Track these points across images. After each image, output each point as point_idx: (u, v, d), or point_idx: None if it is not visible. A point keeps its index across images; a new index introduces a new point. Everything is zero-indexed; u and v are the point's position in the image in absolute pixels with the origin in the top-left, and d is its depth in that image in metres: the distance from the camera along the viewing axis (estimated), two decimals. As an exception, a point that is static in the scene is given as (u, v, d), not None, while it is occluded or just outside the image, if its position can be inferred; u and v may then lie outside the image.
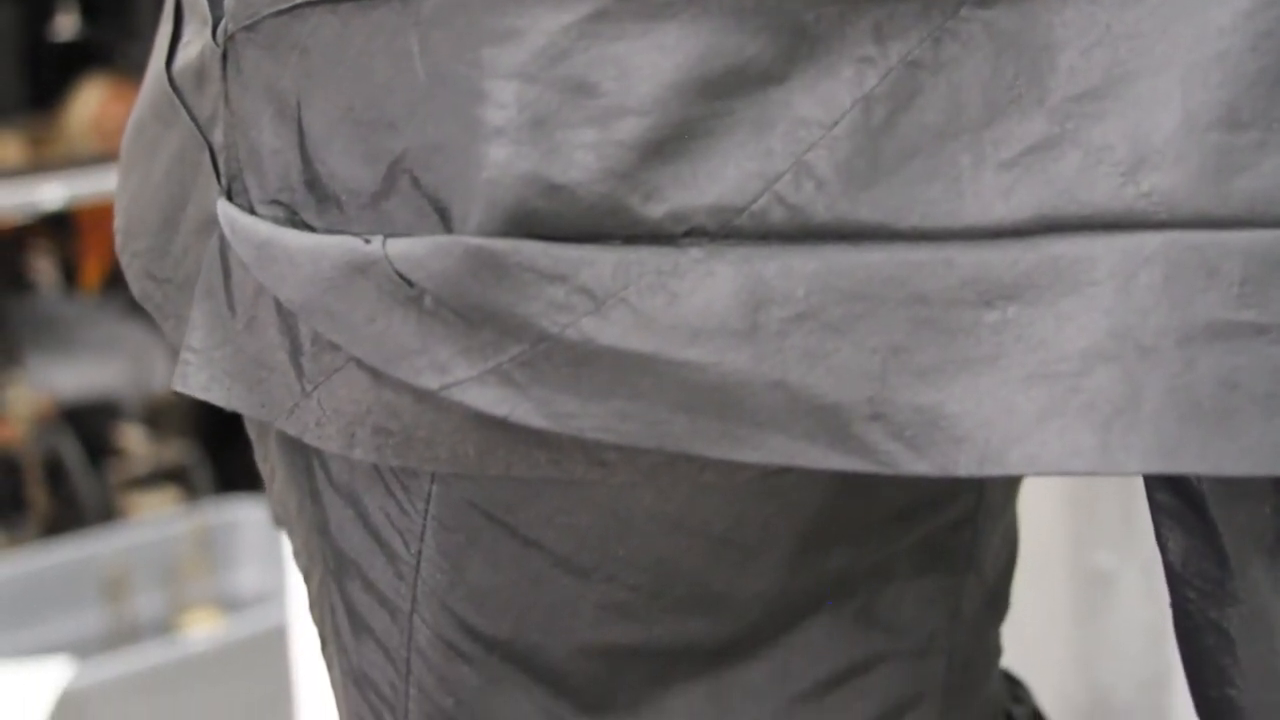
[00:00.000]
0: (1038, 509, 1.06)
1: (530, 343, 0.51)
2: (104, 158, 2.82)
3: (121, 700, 2.24)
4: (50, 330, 3.20)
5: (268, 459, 0.69)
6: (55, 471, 2.92)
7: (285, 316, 0.59)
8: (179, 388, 0.62)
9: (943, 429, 0.49)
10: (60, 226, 3.34)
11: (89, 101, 3.20)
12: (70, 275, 3.43)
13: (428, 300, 0.52)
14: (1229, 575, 0.57)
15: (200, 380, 0.61)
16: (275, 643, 2.24)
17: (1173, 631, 1.01)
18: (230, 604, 2.65)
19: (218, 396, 0.61)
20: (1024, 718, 0.79)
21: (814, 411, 0.50)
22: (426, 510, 0.59)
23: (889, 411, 0.50)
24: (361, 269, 0.54)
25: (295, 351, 0.59)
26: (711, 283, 0.50)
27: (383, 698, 0.65)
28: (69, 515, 2.85)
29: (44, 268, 3.37)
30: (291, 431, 0.59)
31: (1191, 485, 0.56)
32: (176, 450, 2.99)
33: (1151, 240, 0.49)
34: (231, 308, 0.61)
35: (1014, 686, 0.82)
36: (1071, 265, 0.49)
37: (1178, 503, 0.58)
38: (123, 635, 2.54)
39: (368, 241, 0.54)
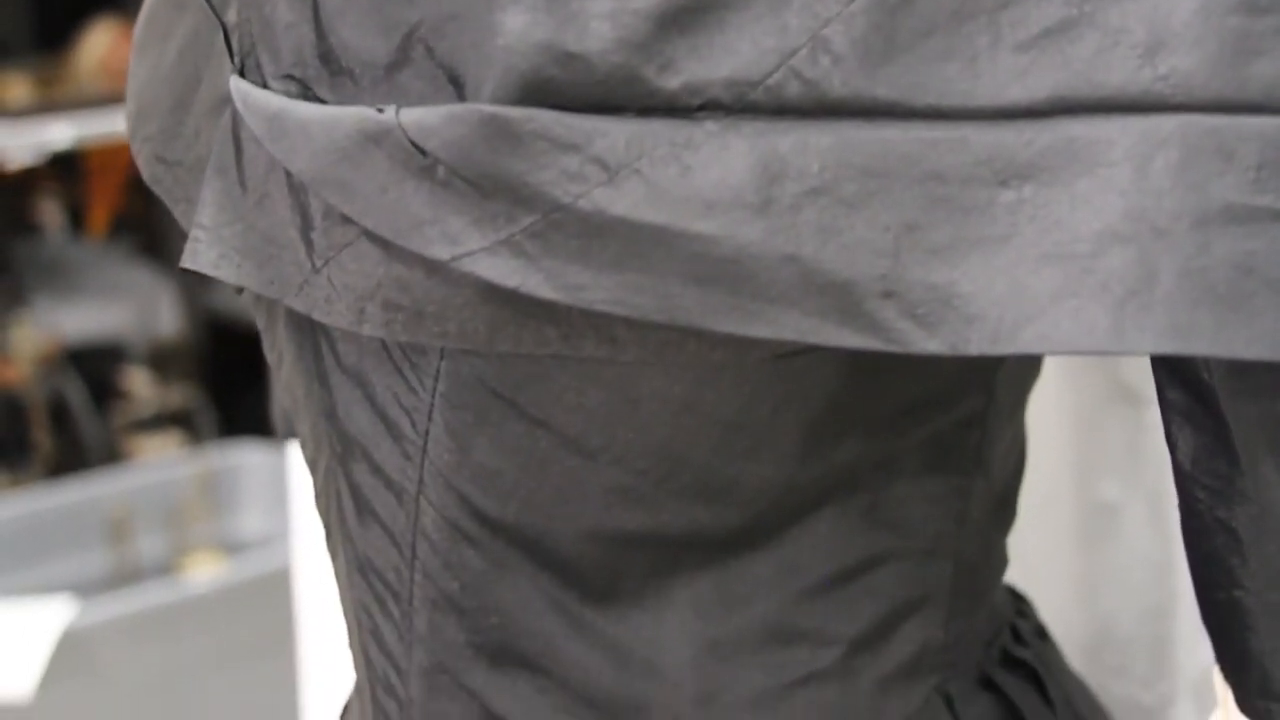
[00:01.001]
0: (1043, 439, 1.06)
1: (542, 213, 0.51)
2: (112, 99, 2.81)
3: (124, 640, 2.24)
4: (56, 273, 3.19)
5: (275, 346, 0.68)
6: (60, 413, 2.92)
7: (296, 192, 0.58)
8: (188, 264, 0.62)
9: (955, 307, 0.49)
10: (68, 170, 3.33)
11: (97, 43, 3.20)
12: (77, 219, 3.42)
13: (440, 170, 0.52)
14: (1239, 473, 0.57)
15: (210, 257, 0.61)
16: (277, 586, 2.24)
17: (1177, 563, 1.01)
18: (232, 547, 2.65)
19: (227, 273, 0.61)
20: (1029, 632, 0.79)
21: (826, 288, 0.50)
22: (435, 388, 0.59)
23: (901, 289, 0.50)
24: (375, 139, 0.53)
25: (306, 227, 0.58)
26: (726, 156, 0.50)
27: (387, 585, 0.65)
28: (73, 457, 2.86)
29: (51, 211, 3.37)
30: (300, 308, 0.59)
31: (1203, 381, 0.56)
32: (181, 394, 2.99)
33: (1168, 123, 0.49)
34: (243, 184, 0.60)
35: (1019, 601, 0.82)
36: (1087, 147, 0.49)
37: (1188, 400, 0.58)
38: (125, 577, 2.54)
39: (381, 111, 0.54)
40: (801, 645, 0.66)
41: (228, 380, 3.12)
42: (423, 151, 0.52)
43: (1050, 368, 1.05)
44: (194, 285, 3.13)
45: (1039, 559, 1.04)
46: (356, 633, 0.69)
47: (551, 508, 0.60)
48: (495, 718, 0.65)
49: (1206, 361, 0.56)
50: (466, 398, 0.59)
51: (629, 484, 0.60)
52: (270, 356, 0.70)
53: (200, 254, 0.61)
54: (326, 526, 0.69)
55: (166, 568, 2.59)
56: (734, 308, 0.50)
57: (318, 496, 0.69)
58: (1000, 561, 0.76)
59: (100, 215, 3.39)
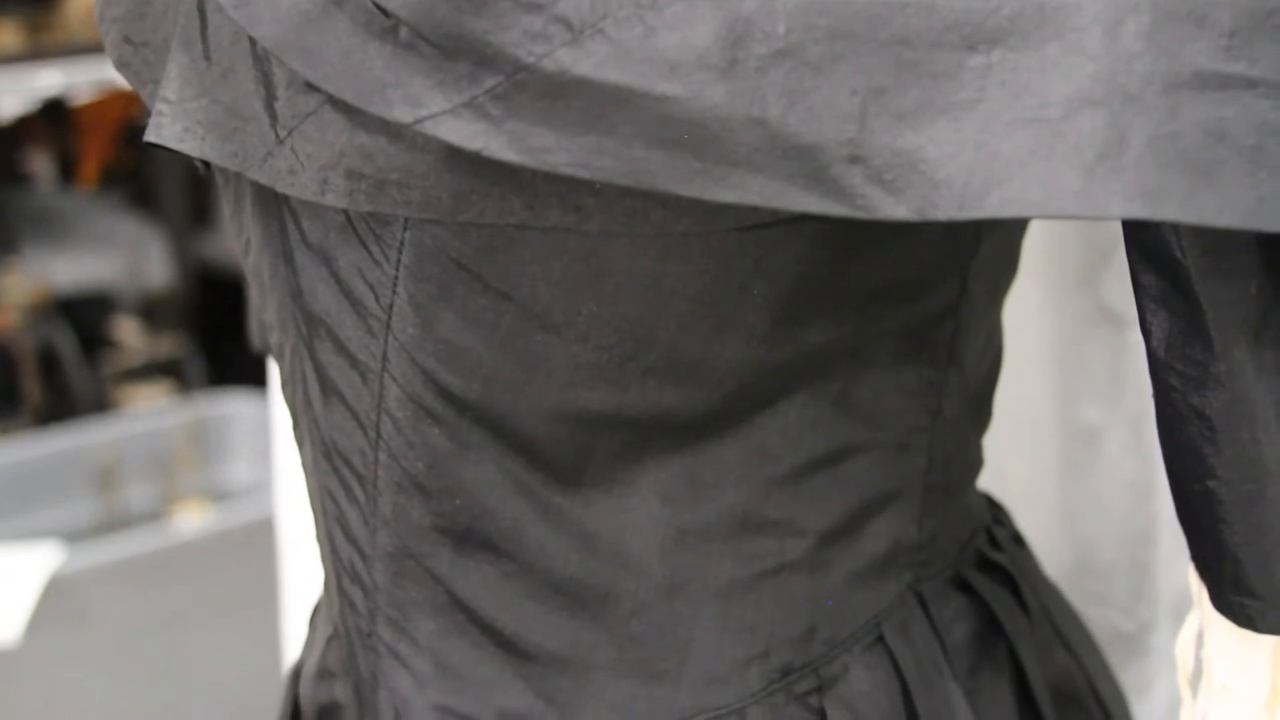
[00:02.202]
0: (1025, 363, 1.05)
1: (506, 74, 0.50)
2: (102, 45, 2.79)
3: (111, 586, 2.24)
4: (47, 223, 3.19)
5: (243, 231, 0.68)
6: (49, 362, 2.92)
7: (261, 62, 0.58)
8: (152, 138, 0.61)
9: (922, 172, 0.49)
10: (59, 122, 3.32)
11: (88, -9, 3.18)
12: (68, 171, 3.41)
13: (404, 32, 0.52)
14: (1212, 358, 0.57)
15: (174, 131, 0.60)
16: (264, 534, 2.24)
17: (1158, 488, 1.01)
18: (221, 496, 2.65)
19: (191, 147, 0.60)
20: (1005, 538, 0.79)
21: (792, 152, 0.49)
22: (398, 261, 0.59)
23: (868, 154, 0.49)
24: (337, 1, 0.53)
25: (270, 98, 0.58)
26: (690, 16, 0.49)
27: (352, 468, 0.65)
28: (62, 406, 2.85)
29: (42, 161, 3.36)
30: (264, 180, 0.59)
31: (1177, 263, 0.56)
32: (170, 343, 2.99)
33: None
34: (208, 57, 0.60)
35: (996, 509, 0.81)
36: (1056, 10, 0.49)
37: (1163, 284, 0.57)
38: (114, 525, 2.54)
39: None
40: (771, 535, 0.65)
41: (217, 330, 3.11)
42: (385, 13, 0.52)
43: (1032, 291, 1.04)
44: (184, 236, 3.13)
45: (1020, 484, 1.04)
46: (323, 521, 0.68)
47: (516, 385, 0.60)
48: (460, 602, 0.65)
49: (1180, 242, 0.55)
50: (430, 269, 0.58)
51: (594, 361, 0.59)
52: (238, 244, 0.69)
53: (164, 128, 0.61)
54: (294, 414, 0.69)
55: (155, 516, 2.59)
56: (698, 171, 0.50)
57: (284, 384, 0.68)
58: (976, 462, 0.76)
59: (91, 167, 3.38)
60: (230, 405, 2.71)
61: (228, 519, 2.37)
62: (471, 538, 0.63)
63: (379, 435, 0.63)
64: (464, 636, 0.65)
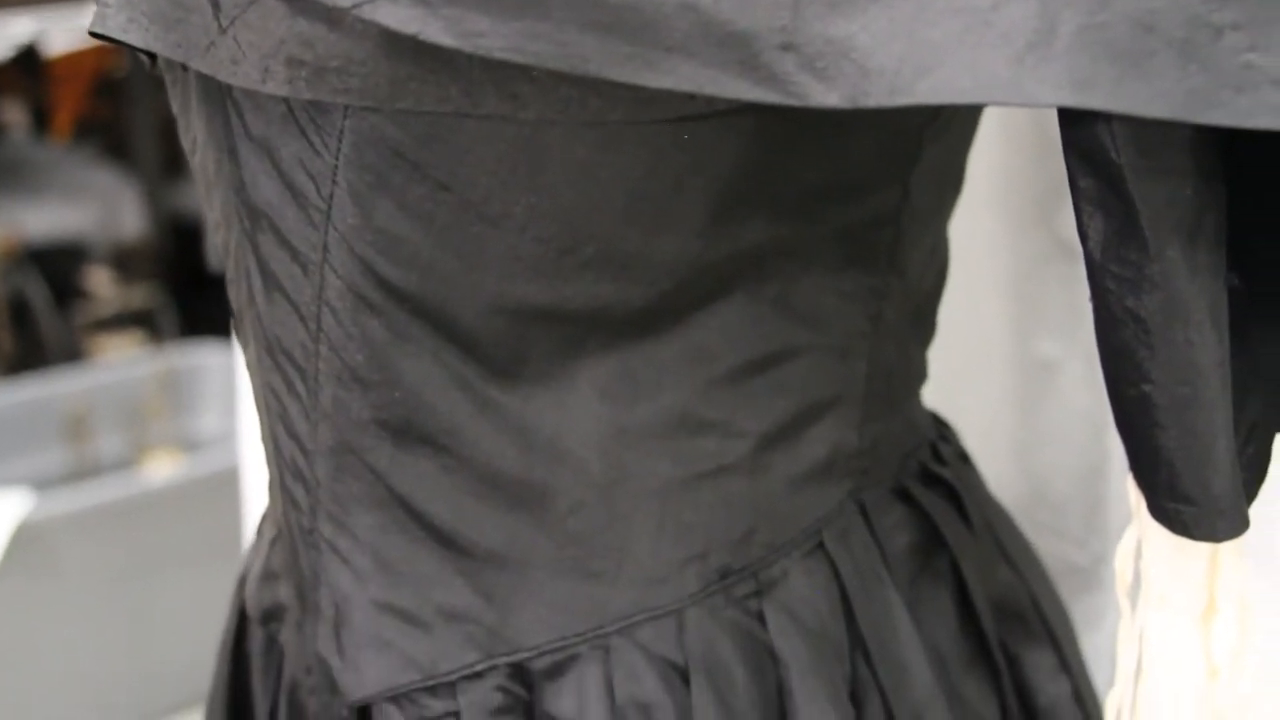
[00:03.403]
0: (981, 296, 1.06)
1: None
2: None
3: (80, 533, 2.24)
4: (20, 173, 3.18)
5: (189, 128, 0.68)
6: (21, 312, 2.91)
7: None
8: (97, 29, 0.61)
9: (854, 60, 0.49)
10: (32, 73, 3.31)
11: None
12: (42, 123, 3.40)
13: None
14: (1147, 259, 0.57)
15: (119, 22, 0.61)
16: (233, 483, 2.24)
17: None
18: (191, 446, 2.65)
19: (135, 37, 0.60)
20: (950, 455, 0.79)
21: (725, 39, 0.49)
22: (338, 149, 0.59)
23: (800, 42, 0.49)
24: None
25: None
26: None
27: (294, 362, 0.65)
28: (34, 355, 2.85)
29: (15, 112, 3.34)
30: (207, 70, 0.59)
31: (1112, 163, 0.56)
32: (142, 294, 2.98)
33: None
34: None
35: (942, 426, 0.82)
36: None
37: (1099, 185, 0.57)
38: (84, 474, 2.54)
39: None
40: (709, 436, 0.65)
41: (189, 281, 3.10)
42: None
43: (988, 225, 1.05)
44: (157, 187, 3.12)
45: (975, 417, 1.04)
46: (266, 419, 0.69)
47: (454, 276, 0.60)
48: (399, 497, 0.65)
49: (1115, 142, 0.56)
50: (369, 158, 0.58)
51: (532, 253, 0.59)
52: (185, 142, 0.69)
53: (109, 19, 0.61)
54: (239, 312, 0.69)
55: (125, 465, 2.59)
56: (632, 56, 0.50)
57: (230, 283, 0.69)
58: (919, 373, 0.76)
59: (65, 118, 3.37)
60: (201, 356, 2.71)
61: (197, 468, 2.37)
62: (410, 431, 0.64)
63: (319, 328, 0.63)
64: (403, 532, 0.66)
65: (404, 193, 0.59)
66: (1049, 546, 1.05)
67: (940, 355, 1.05)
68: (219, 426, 2.67)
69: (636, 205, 0.59)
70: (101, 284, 3.00)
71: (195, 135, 0.67)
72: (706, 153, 0.58)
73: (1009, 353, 1.06)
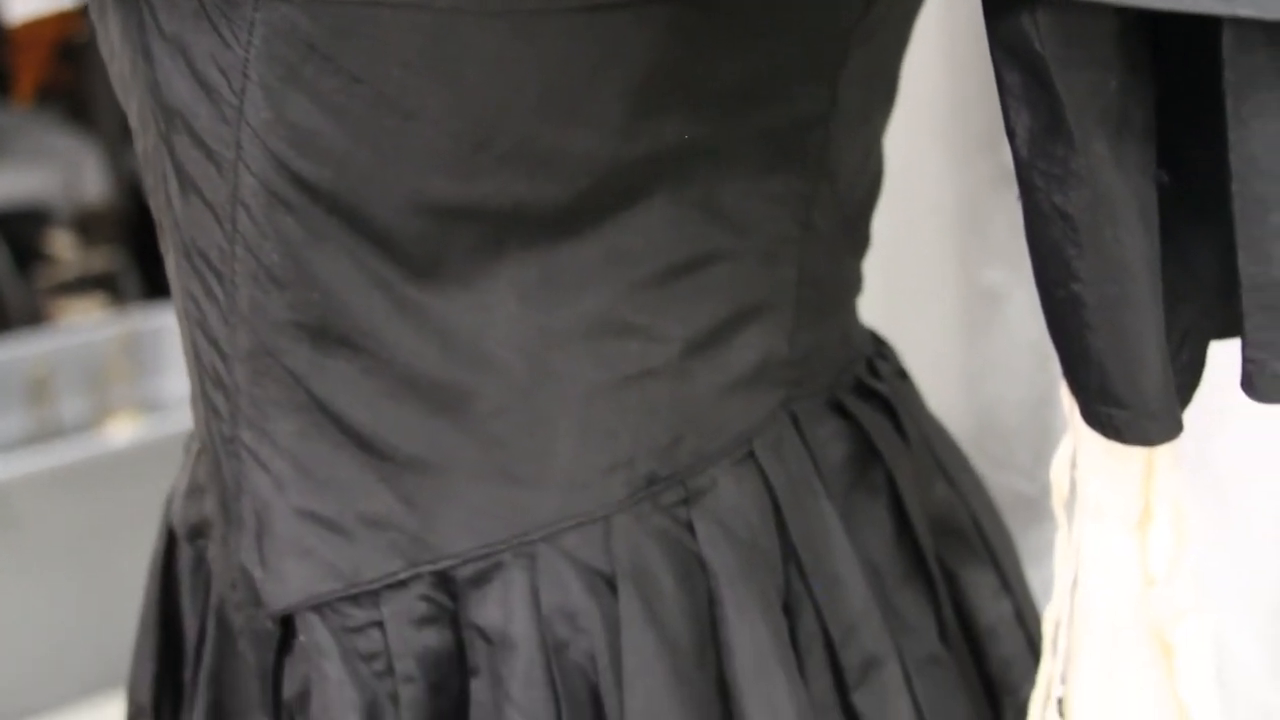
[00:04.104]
0: (926, 226, 1.05)
1: None
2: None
3: (43, 494, 2.23)
4: (-19, 137, 3.16)
5: (107, 37, 0.67)
6: (-18, 276, 2.89)
7: None
8: None
9: None
10: (-6, 38, 3.29)
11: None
12: (4, 89, 3.38)
13: None
14: (1073, 153, 0.56)
15: None
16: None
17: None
18: (153, 408, 2.64)
19: None
20: (887, 371, 0.78)
21: None
22: (249, 43, 0.58)
23: None
24: None
25: None
26: None
27: (211, 265, 0.64)
28: (-5, 319, 2.83)
29: (-24, 76, 3.32)
30: None
31: (1036, 54, 0.55)
32: (105, 257, 2.96)
33: None
34: None
35: (880, 344, 0.81)
36: None
37: (1024, 79, 0.57)
38: (46, 436, 2.53)
39: None
40: (634, 340, 0.65)
41: (151, 244, 3.07)
42: None
43: (934, 153, 1.04)
44: (119, 151, 3.10)
45: (922, 347, 1.03)
46: (186, 328, 0.68)
47: (368, 172, 0.59)
48: (318, 401, 0.64)
49: (1039, 31, 0.55)
50: (281, 50, 0.57)
51: (446, 148, 0.58)
52: (104, 50, 0.68)
53: None
54: (159, 221, 0.68)
55: (87, 427, 2.57)
56: None
57: (150, 192, 0.68)
58: (853, 284, 0.75)
59: (27, 83, 3.34)
60: (163, 319, 2.69)
61: (159, 430, 2.36)
62: (328, 333, 0.63)
63: (235, 228, 0.62)
64: (323, 437, 0.65)
65: (316, 86, 0.58)
66: (998, 478, 1.05)
67: (887, 286, 1.04)
68: (181, 389, 2.65)
69: (551, 99, 0.58)
70: (63, 248, 2.98)
71: (112, 40, 0.66)
72: (621, 45, 0.57)
73: (955, 283, 1.05)
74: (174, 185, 0.64)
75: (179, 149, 0.62)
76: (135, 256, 2.99)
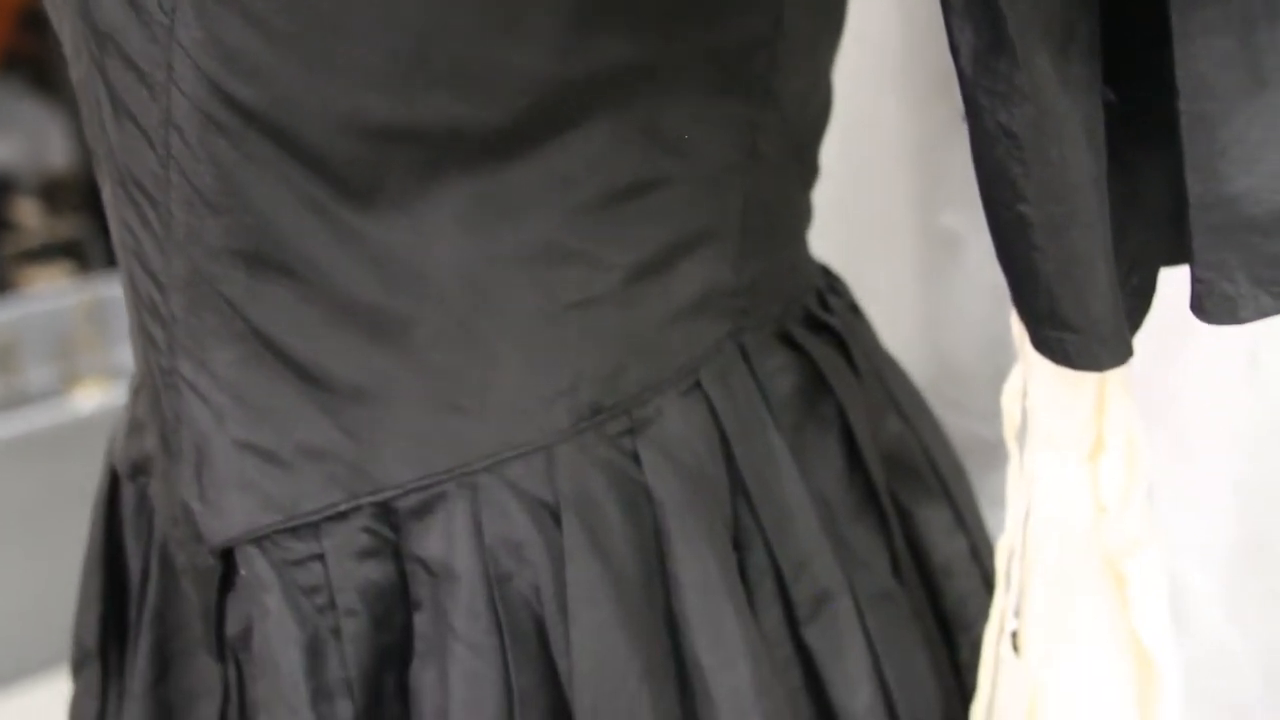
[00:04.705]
0: (884, 168, 1.04)
1: None
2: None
3: (9, 461, 2.22)
4: (-55, 105, 3.14)
5: None
6: (-53, 243, 2.88)
7: None
8: None
9: None
10: (-42, 6, 3.26)
11: None
12: (-31, 56, 3.36)
13: None
14: (1016, 69, 0.55)
15: None
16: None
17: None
18: (119, 375, 2.62)
19: None
20: (839, 306, 0.77)
21: None
22: None
23: None
24: None
25: None
26: None
27: (145, 192, 0.63)
28: (-40, 286, 2.82)
29: (-59, 44, 3.30)
30: None
31: None
32: (71, 225, 2.95)
33: None
34: None
35: (832, 279, 0.80)
36: None
37: None
38: (13, 403, 2.51)
39: None
40: (576, 266, 0.64)
41: (118, 211, 3.06)
42: None
43: (891, 96, 1.03)
44: (86, 119, 3.09)
45: (880, 292, 1.03)
46: (124, 259, 0.67)
47: (301, 92, 0.58)
48: (256, 330, 0.63)
49: None
50: None
51: (380, 66, 0.57)
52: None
53: None
54: (94, 151, 0.67)
55: (54, 395, 2.56)
56: None
57: (86, 123, 0.66)
58: (801, 215, 0.75)
59: (-8, 51, 3.32)
60: (130, 286, 2.68)
61: (125, 397, 2.35)
62: (265, 259, 0.62)
63: (168, 152, 0.61)
64: (262, 366, 0.64)
65: (247, 3, 0.57)
66: (956, 422, 1.04)
67: (844, 232, 1.04)
68: (148, 356, 2.64)
69: (487, 15, 0.57)
70: (29, 215, 2.96)
71: None
72: None
73: (913, 227, 1.04)
74: (107, 111, 0.63)
75: (111, 73, 0.61)
76: (101, 224, 2.96)
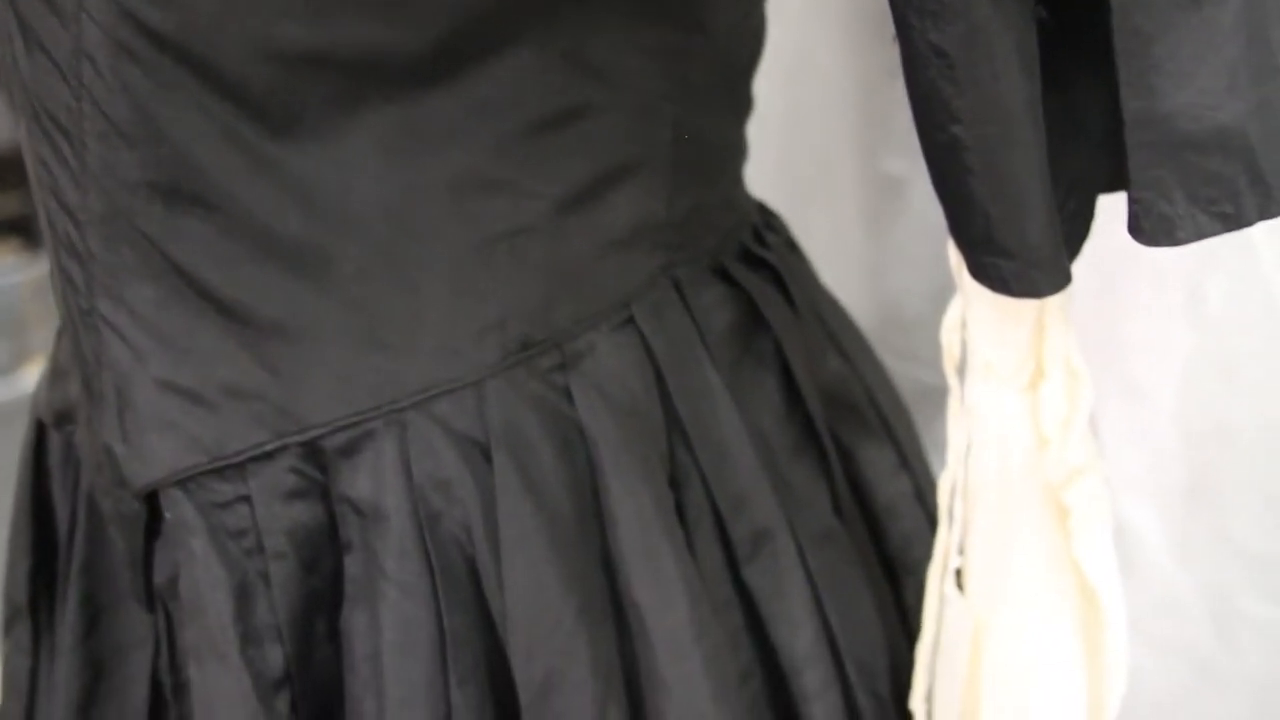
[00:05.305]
0: (825, 116, 1.03)
1: None
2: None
3: (-44, 439, 2.20)
4: (-111, 82, 3.11)
5: None
6: (-107, 223, 2.84)
7: None
8: None
9: None
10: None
11: None
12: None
13: None
14: None
15: None
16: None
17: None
18: (72, 352, 2.61)
19: None
20: (776, 242, 0.76)
21: None
22: None
23: None
24: None
25: None
26: None
27: (59, 126, 0.61)
28: (-93, 266, 2.78)
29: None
30: None
31: None
32: (18, 201, 2.92)
33: None
34: None
35: (770, 216, 0.79)
36: None
37: None
38: (-38, 382, 2.50)
39: None
40: (502, 196, 0.62)
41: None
42: None
43: (834, 42, 1.02)
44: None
45: (824, 238, 1.02)
46: (40, 197, 0.65)
47: (216, 18, 0.56)
48: (175, 266, 0.62)
49: None
50: None
51: None
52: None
53: None
54: (7, 88, 0.65)
55: (5, 372, 2.54)
56: None
57: (-1, 60, 0.65)
58: (736, 150, 0.73)
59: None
60: (80, 261, 2.65)
61: (75, 370, 2.33)
62: (182, 192, 0.60)
63: (81, 83, 0.59)
64: (182, 303, 0.62)
65: None
66: (903, 370, 1.03)
67: (787, 179, 1.03)
68: (99, 331, 2.62)
69: None
70: (-25, 192, 2.94)
71: None
72: None
73: (856, 172, 1.04)
74: (19, 44, 0.61)
75: (21, 3, 0.60)
76: (49, 200, 2.93)
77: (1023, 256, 0.59)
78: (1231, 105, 0.52)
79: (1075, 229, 0.63)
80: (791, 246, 0.79)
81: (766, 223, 0.77)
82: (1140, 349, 0.88)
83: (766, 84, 0.94)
